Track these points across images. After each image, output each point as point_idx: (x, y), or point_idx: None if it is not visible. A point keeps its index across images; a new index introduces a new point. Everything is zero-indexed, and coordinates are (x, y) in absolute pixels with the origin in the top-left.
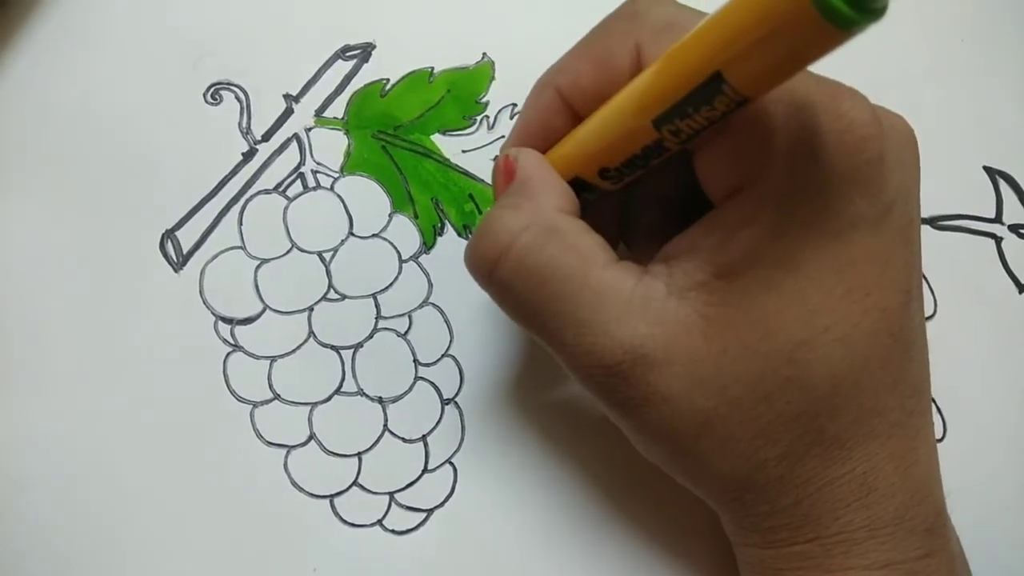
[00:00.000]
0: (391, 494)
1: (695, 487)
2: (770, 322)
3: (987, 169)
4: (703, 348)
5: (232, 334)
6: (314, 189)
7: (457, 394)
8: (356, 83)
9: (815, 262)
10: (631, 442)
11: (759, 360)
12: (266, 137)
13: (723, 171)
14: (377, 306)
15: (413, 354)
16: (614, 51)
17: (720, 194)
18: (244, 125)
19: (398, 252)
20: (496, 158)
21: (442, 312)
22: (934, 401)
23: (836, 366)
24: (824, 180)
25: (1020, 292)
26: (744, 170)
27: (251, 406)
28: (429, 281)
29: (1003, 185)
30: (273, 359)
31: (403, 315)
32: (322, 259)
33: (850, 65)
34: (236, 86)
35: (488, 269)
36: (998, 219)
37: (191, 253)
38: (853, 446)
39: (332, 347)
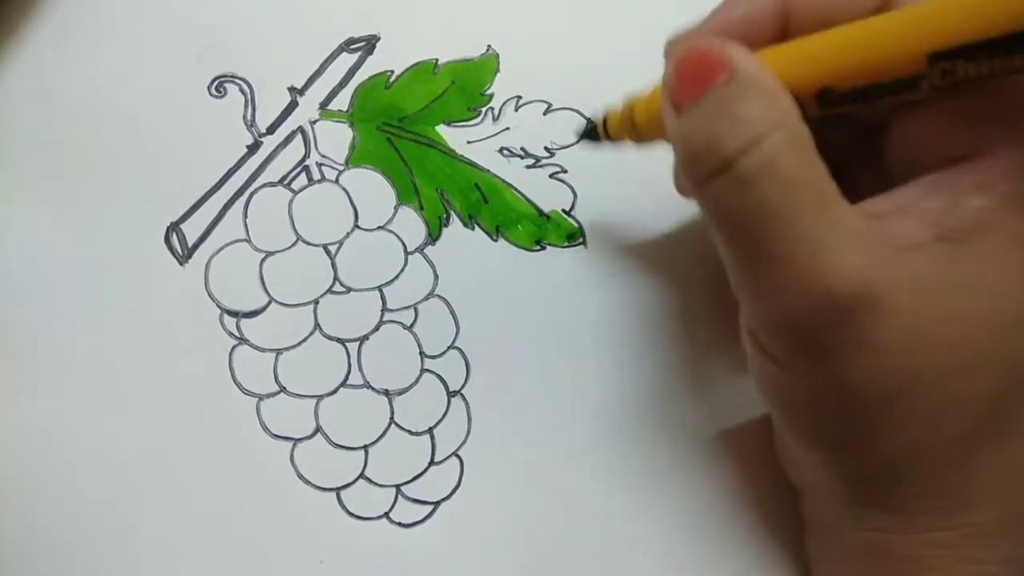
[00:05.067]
0: (397, 487)
1: (840, 458)
2: (991, 293)
3: None
4: (922, 307)
5: (238, 327)
6: (319, 182)
7: (463, 386)
8: (360, 76)
9: None
10: (774, 400)
11: (974, 331)
12: (271, 130)
13: (951, 133)
14: (383, 298)
15: (419, 346)
16: None
17: (937, 157)
18: (249, 118)
19: (403, 244)
20: (672, 44)
21: (448, 304)
22: None
23: None
24: None
25: None
26: (980, 136)
27: (257, 399)
28: (435, 273)
29: None
30: (279, 352)
31: (409, 307)
32: (327, 252)
33: None
34: (240, 79)
35: (725, 160)
36: None
37: (196, 246)
38: (1019, 434)
39: (338, 340)
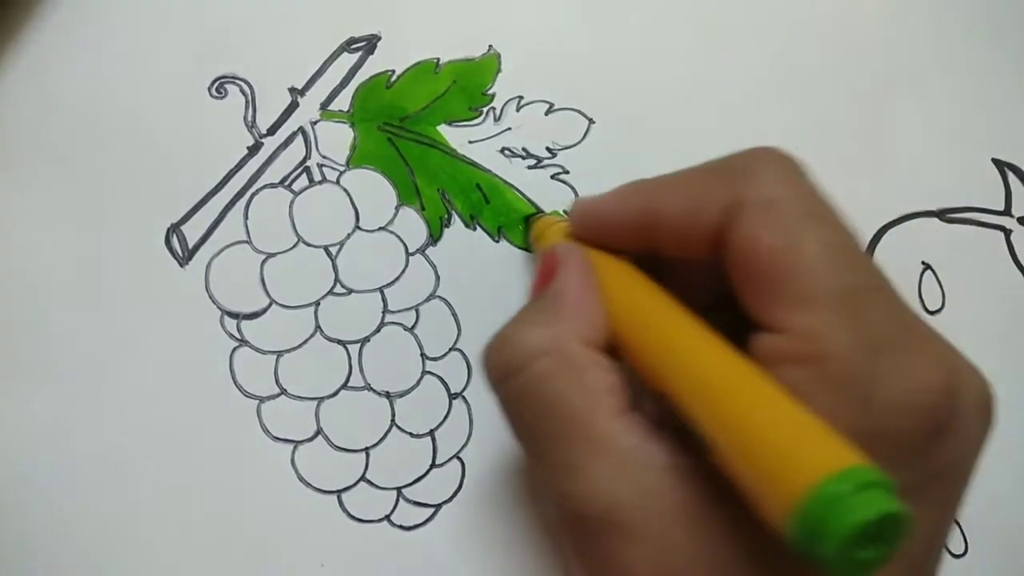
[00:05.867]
0: (399, 489)
1: None
2: (738, 525)
3: (996, 162)
4: (671, 535)
5: (238, 329)
6: (320, 183)
7: (465, 388)
8: (361, 76)
9: None
10: None
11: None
12: (271, 131)
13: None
14: (384, 300)
15: (420, 348)
16: (708, 198)
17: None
18: (249, 119)
19: (405, 245)
20: (575, 205)
21: (449, 305)
22: None
23: None
24: (870, 436)
25: None
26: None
27: (258, 401)
28: (436, 274)
29: (1012, 178)
30: (280, 354)
31: (410, 309)
32: (328, 253)
33: (860, 58)
34: (241, 80)
35: (498, 379)
36: (1007, 211)
37: (197, 247)
38: None
39: (339, 341)
